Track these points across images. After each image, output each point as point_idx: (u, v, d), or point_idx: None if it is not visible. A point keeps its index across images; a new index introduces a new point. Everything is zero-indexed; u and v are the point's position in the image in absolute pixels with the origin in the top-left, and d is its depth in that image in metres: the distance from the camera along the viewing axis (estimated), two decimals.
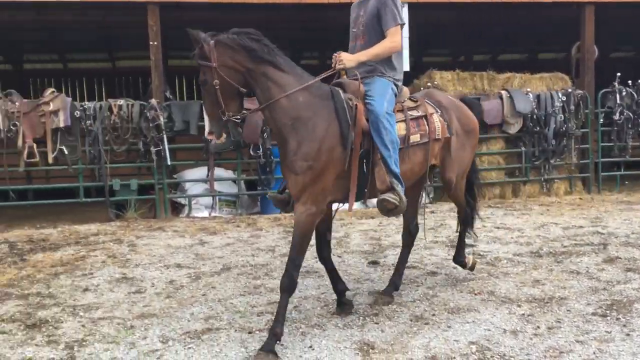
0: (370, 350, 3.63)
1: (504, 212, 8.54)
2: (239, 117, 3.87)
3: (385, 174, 3.96)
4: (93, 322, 4.27)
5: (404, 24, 4.19)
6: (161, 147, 8.64)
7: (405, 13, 4.97)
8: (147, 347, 3.78)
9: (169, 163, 8.77)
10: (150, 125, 8.57)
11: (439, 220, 7.92)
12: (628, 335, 3.73)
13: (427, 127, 4.27)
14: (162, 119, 8.60)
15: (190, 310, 4.46)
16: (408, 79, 10.12)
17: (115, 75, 16.50)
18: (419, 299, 4.58)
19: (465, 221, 5.09)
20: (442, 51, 16.70)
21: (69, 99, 8.64)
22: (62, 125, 8.39)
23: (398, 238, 6.74)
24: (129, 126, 8.63)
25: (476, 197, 5.26)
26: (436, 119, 4.36)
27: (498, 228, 7.28)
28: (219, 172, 9.40)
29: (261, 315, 4.31)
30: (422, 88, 9.49)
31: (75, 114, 8.47)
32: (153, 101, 8.68)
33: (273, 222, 8.13)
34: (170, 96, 9.43)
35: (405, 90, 4.45)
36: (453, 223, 7.61)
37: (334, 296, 4.48)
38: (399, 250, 6.10)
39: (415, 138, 4.21)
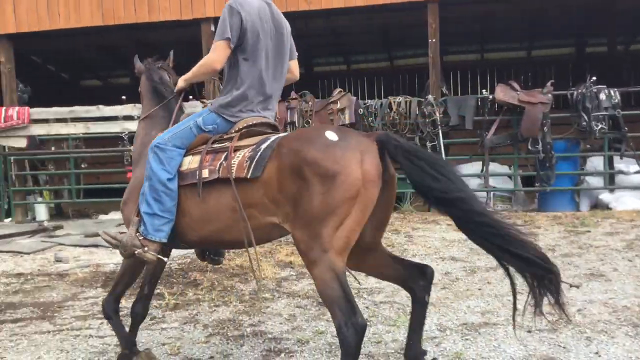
0: None
1: None
2: None
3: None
4: (375, 304, 4.58)
5: (229, 38, 3.31)
6: (436, 142, 8.83)
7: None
8: (426, 333, 3.91)
9: (444, 158, 8.91)
10: (427, 120, 8.82)
11: None
12: None
13: (223, 162, 3.15)
14: (438, 114, 8.78)
15: (466, 303, 4.51)
16: None
17: (393, 74, 17.27)
18: None
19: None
20: None
21: (354, 98, 9.33)
22: (347, 122, 9.09)
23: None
24: (406, 122, 9.00)
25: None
26: (239, 155, 3.12)
27: None
28: (494, 166, 9.25)
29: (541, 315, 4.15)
30: None
31: (359, 111, 9.12)
32: (430, 97, 8.91)
33: (552, 220, 7.72)
34: (447, 92, 9.57)
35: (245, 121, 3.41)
36: None
37: (624, 302, 4.10)
38: None
39: (204, 174, 3.19)
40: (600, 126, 8.36)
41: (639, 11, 11.37)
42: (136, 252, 3.26)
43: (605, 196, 8.68)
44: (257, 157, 3.02)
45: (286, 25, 3.62)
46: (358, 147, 2.89)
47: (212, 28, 9.59)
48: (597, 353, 3.48)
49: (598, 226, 7.17)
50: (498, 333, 3.86)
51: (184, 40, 13.35)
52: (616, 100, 8.44)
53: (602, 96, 8.41)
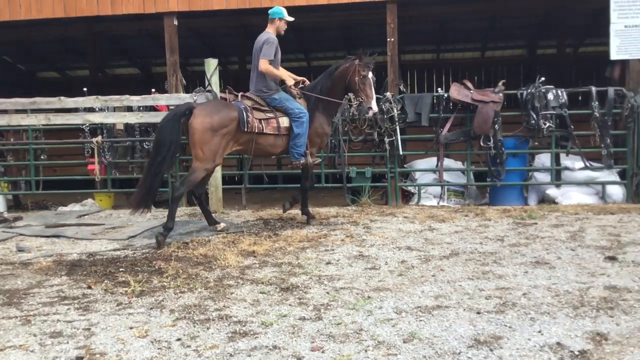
0: (603, 341, 3.58)
1: None
2: None
3: None
4: (336, 290, 4.81)
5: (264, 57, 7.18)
6: (394, 138, 9.12)
7: None
8: (383, 315, 4.18)
9: (400, 153, 9.22)
10: (385, 117, 9.10)
11: None
12: None
13: None
14: (395, 110, 9.08)
15: (421, 288, 4.78)
16: None
17: None
18: None
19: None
20: None
21: None
22: None
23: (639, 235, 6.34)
24: (365, 118, 9.26)
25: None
26: None
27: None
28: (448, 162, 9.62)
29: (489, 298, 4.46)
30: None
31: None
32: (388, 94, 9.20)
33: (502, 213, 8.11)
34: (404, 89, 9.88)
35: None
36: None
37: (566, 287, 4.45)
38: (639, 247, 5.78)
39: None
40: (547, 124, 8.80)
41: (586, 16, 11.93)
42: None
43: (552, 191, 9.14)
44: None
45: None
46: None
47: (175, 22, 9.66)
48: (539, 332, 3.78)
49: (544, 219, 7.58)
50: (450, 315, 4.14)
51: (146, 33, 13.35)
52: (563, 100, 8.89)
53: (550, 96, 8.85)
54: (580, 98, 10.68)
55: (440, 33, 14.71)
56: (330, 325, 4.02)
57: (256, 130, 7.09)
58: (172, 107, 9.26)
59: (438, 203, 9.27)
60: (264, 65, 7.14)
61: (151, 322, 4.19)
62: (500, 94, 8.95)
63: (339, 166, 9.60)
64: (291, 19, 7.48)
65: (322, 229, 7.34)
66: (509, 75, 15.76)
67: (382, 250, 6.17)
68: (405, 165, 9.85)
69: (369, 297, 4.61)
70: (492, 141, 8.90)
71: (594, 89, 8.93)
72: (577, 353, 3.42)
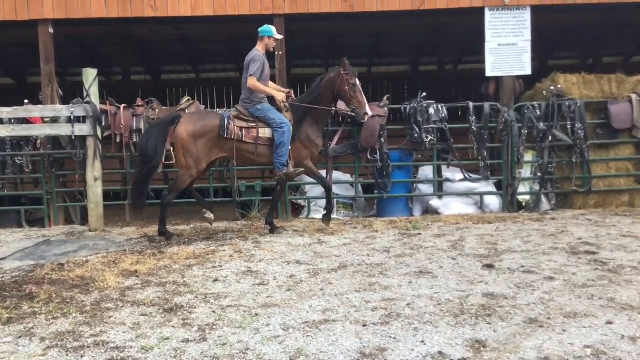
0: (482, 348, 3.71)
1: (631, 220, 8.13)
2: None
3: None
4: (222, 309, 4.67)
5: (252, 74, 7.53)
6: None
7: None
8: (270, 332, 4.10)
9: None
10: None
11: (559, 227, 7.71)
12: None
13: None
14: None
15: (309, 303, 4.75)
16: (531, 82, 9.97)
17: (238, 84, 17.39)
18: (535, 303, 4.56)
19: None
20: (569, 54, 16.05)
21: (203, 106, 9.36)
22: None
23: (515, 243, 6.70)
24: None
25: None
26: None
27: (624, 236, 6.97)
28: (337, 175, 9.73)
29: (375, 310, 4.50)
30: (544, 92, 9.34)
31: None
32: None
33: (389, 224, 8.30)
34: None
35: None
36: (575, 230, 7.43)
37: (447, 295, 4.59)
38: (516, 255, 6.10)
39: None
40: (429, 138, 9.16)
41: (464, 35, 12.57)
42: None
43: (435, 202, 9.50)
44: None
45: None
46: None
47: (51, 30, 9.11)
48: (422, 342, 3.85)
49: (428, 229, 7.84)
50: (337, 329, 4.13)
51: (19, 41, 12.47)
52: (443, 115, 9.30)
53: (432, 110, 9.23)
54: (459, 113, 11.22)
55: (329, 48, 14.94)
56: (216, 346, 3.88)
57: (236, 138, 7.48)
58: (47, 119, 8.74)
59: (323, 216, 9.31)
60: (251, 81, 7.53)
61: (19, 353, 3.85)
62: (386, 108, 9.21)
63: (228, 180, 9.44)
64: (280, 36, 7.99)
65: (210, 245, 7.15)
66: (394, 90, 16.31)
67: (271, 265, 6.09)
68: (295, 179, 9.84)
69: (256, 314, 4.51)
70: (378, 154, 9.11)
71: (471, 104, 9.41)
72: None
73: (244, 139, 7.53)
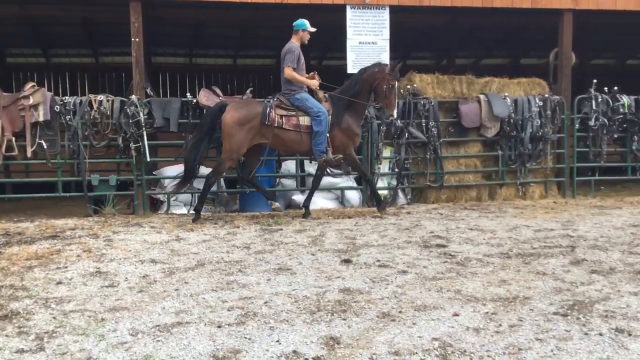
0: (336, 345, 3.71)
1: (478, 214, 8.68)
2: None
3: None
4: (64, 314, 4.31)
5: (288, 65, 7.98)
6: (141, 144, 8.67)
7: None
8: (117, 339, 3.83)
9: (148, 159, 8.80)
10: (130, 121, 8.61)
11: (414, 221, 8.04)
12: (586, 334, 3.85)
13: None
14: (142, 115, 8.65)
15: (161, 305, 4.51)
16: None
17: (98, 71, 16.47)
18: (388, 297, 4.67)
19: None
20: (426, 54, 16.86)
21: (50, 94, 8.66)
22: (41, 119, 8.41)
23: (373, 237, 6.87)
24: (108, 122, 8.67)
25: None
26: None
27: (471, 229, 7.41)
28: (201, 169, 9.43)
29: (232, 310, 4.37)
30: (401, 91, 9.69)
31: (55, 108, 8.49)
32: (133, 97, 8.72)
33: (250, 219, 8.20)
34: (152, 93, 9.45)
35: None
36: (428, 224, 7.77)
37: (305, 292, 4.57)
38: (372, 249, 6.24)
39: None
40: None
41: (328, 30, 12.72)
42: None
43: (297, 197, 9.53)
44: None
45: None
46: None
47: None
48: (278, 341, 3.78)
49: (289, 224, 7.84)
50: (190, 331, 3.95)
51: None
52: None
53: None
54: None
55: (194, 38, 14.51)
56: (54, 356, 3.55)
57: (276, 125, 7.88)
58: None
59: (188, 211, 9.04)
60: (287, 71, 7.98)
61: None
62: None
63: (79, 173, 8.81)
64: (313, 29, 8.16)
65: (56, 244, 6.62)
66: (260, 83, 16.21)
67: (123, 264, 5.75)
68: (154, 173, 9.45)
69: (102, 319, 4.20)
70: None
71: None
72: None
73: (283, 126, 7.93)
